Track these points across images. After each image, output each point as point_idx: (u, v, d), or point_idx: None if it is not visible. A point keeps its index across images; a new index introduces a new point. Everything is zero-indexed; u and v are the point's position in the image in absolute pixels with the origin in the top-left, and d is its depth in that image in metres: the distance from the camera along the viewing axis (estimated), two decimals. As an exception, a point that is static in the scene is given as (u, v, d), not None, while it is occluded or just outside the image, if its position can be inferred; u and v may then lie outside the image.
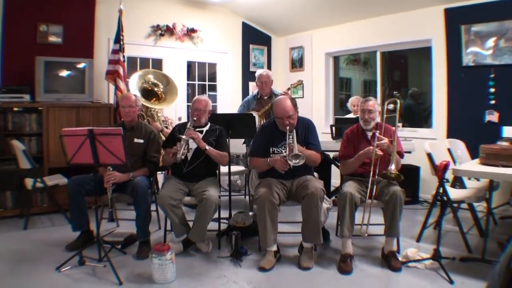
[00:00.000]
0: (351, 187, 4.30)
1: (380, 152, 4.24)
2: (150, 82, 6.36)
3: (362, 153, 4.40)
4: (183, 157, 4.50)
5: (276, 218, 4.22)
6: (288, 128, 4.26)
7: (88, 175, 4.55)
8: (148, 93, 6.30)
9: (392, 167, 4.13)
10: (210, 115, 4.94)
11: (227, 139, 5.02)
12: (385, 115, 4.48)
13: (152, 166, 4.87)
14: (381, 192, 4.26)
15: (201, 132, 4.79)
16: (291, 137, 4.20)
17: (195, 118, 4.70)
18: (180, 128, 4.81)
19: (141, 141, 4.84)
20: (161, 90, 6.40)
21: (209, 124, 4.93)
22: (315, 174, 4.72)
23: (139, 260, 4.27)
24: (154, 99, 6.35)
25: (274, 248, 4.20)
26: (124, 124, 4.87)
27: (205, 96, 5.07)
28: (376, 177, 4.23)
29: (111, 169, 4.34)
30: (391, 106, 4.51)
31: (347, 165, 4.60)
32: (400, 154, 4.40)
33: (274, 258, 4.17)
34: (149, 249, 4.22)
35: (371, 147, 4.32)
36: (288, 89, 6.10)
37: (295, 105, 4.40)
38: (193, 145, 4.64)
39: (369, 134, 4.61)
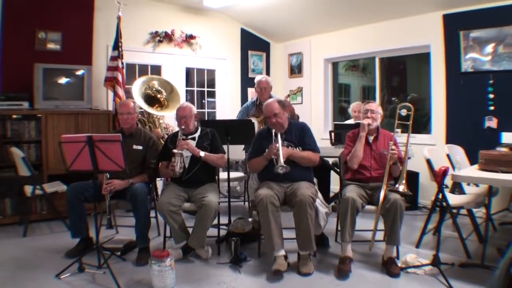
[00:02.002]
0: (352, 192, 4.31)
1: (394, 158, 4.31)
2: (154, 89, 6.37)
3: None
4: (181, 170, 4.52)
5: (280, 220, 4.22)
6: (274, 131, 4.44)
7: (87, 182, 4.55)
8: (151, 99, 6.30)
9: (401, 187, 4.15)
10: (203, 121, 4.94)
11: (227, 145, 5.03)
12: (396, 121, 4.48)
13: (151, 173, 4.87)
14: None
15: (193, 139, 4.81)
16: (277, 144, 4.31)
17: (183, 127, 4.71)
18: (172, 139, 4.83)
19: (140, 147, 4.85)
20: (164, 97, 6.40)
21: (199, 129, 4.94)
22: (315, 180, 4.73)
23: (138, 267, 4.27)
24: (156, 105, 6.35)
25: (283, 252, 4.15)
26: (123, 131, 4.88)
27: (187, 102, 5.09)
28: (384, 187, 4.25)
29: (108, 175, 4.33)
30: (404, 112, 4.47)
31: (352, 157, 4.59)
32: (401, 161, 4.40)
33: (285, 261, 4.12)
34: (148, 256, 4.22)
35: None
36: (288, 95, 6.11)
37: (283, 105, 4.57)
38: (188, 153, 4.65)
39: (371, 138, 4.63)
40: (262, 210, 4.16)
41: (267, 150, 4.46)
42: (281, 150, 4.25)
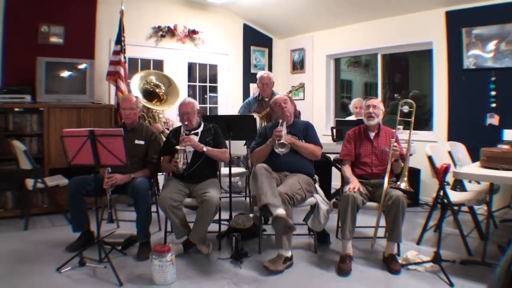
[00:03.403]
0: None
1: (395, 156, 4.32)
2: (152, 83, 6.35)
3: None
4: (184, 166, 4.52)
5: (273, 182, 4.26)
6: (280, 120, 4.62)
7: (88, 176, 4.55)
8: (150, 94, 6.29)
9: (402, 185, 4.14)
10: (204, 116, 4.95)
11: (229, 140, 5.04)
12: (398, 118, 4.47)
13: (152, 167, 4.87)
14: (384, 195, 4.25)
15: (196, 134, 4.82)
16: (282, 127, 4.48)
17: (186, 123, 4.71)
18: (175, 134, 4.83)
19: (142, 142, 4.84)
20: (163, 91, 6.39)
21: (202, 124, 4.94)
22: (316, 176, 4.74)
23: (139, 261, 4.27)
24: (155, 100, 6.34)
25: (280, 211, 4.02)
26: (125, 125, 4.88)
27: (189, 98, 5.09)
28: (386, 184, 4.24)
29: (109, 170, 4.33)
30: (405, 109, 4.47)
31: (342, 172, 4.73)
32: (402, 158, 4.39)
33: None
34: (149, 250, 4.25)
35: None
36: (290, 91, 6.12)
37: (291, 100, 4.92)
38: (191, 148, 4.64)
39: (372, 134, 4.63)
40: (254, 176, 4.24)
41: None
42: (285, 135, 4.40)
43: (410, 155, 5.06)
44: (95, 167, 4.10)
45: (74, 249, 4.42)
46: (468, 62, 6.26)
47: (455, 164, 4.84)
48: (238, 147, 6.16)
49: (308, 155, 4.63)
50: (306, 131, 4.76)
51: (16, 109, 5.86)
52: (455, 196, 4.68)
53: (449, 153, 5.14)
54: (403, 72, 10.37)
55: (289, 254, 4.15)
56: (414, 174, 6.48)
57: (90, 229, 4.66)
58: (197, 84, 8.73)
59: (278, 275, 3.98)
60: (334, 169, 6.43)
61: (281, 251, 4.13)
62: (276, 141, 4.37)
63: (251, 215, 5.04)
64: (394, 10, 7.08)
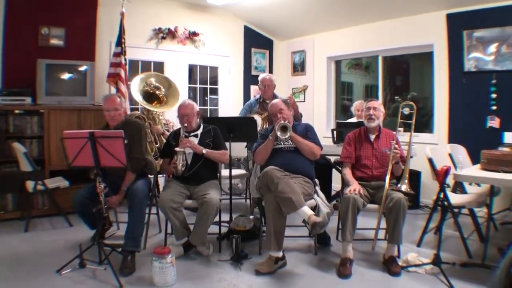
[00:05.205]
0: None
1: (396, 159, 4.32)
2: (152, 85, 6.35)
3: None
4: (183, 168, 4.53)
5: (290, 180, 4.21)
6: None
7: (87, 189, 4.41)
8: (150, 96, 6.29)
9: (403, 187, 4.14)
10: (205, 118, 4.93)
11: (229, 142, 5.05)
12: (399, 120, 4.47)
13: (135, 163, 4.55)
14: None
15: (196, 136, 4.82)
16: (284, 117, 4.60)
17: (186, 125, 4.70)
18: (174, 136, 4.84)
19: (126, 141, 4.67)
20: (163, 93, 6.39)
21: (202, 126, 4.95)
22: (316, 180, 4.73)
23: (123, 277, 3.93)
24: (155, 102, 6.34)
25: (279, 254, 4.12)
26: (108, 127, 4.69)
27: (189, 99, 5.07)
28: (386, 186, 4.24)
29: (101, 180, 4.09)
30: (406, 111, 4.47)
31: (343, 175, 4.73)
32: (403, 160, 4.39)
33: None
34: (134, 264, 4.13)
35: None
36: (293, 93, 6.12)
37: (287, 104, 4.81)
38: (191, 150, 4.65)
39: (372, 136, 4.62)
40: (270, 180, 4.12)
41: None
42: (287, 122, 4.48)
43: (411, 157, 5.06)
44: (95, 169, 4.06)
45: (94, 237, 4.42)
46: (469, 65, 6.26)
47: (455, 167, 4.83)
48: (239, 149, 6.16)
49: (308, 152, 4.59)
50: (305, 132, 4.75)
51: (17, 111, 5.87)
52: (455, 199, 4.67)
53: (450, 155, 5.14)
54: (404, 74, 10.38)
55: (280, 254, 4.13)
56: (415, 177, 6.47)
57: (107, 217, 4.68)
58: (198, 86, 8.72)
59: (278, 277, 3.98)
60: (334, 171, 6.44)
61: (272, 252, 4.12)
62: (277, 125, 4.41)
63: (251, 217, 5.04)
64: (395, 13, 7.08)
